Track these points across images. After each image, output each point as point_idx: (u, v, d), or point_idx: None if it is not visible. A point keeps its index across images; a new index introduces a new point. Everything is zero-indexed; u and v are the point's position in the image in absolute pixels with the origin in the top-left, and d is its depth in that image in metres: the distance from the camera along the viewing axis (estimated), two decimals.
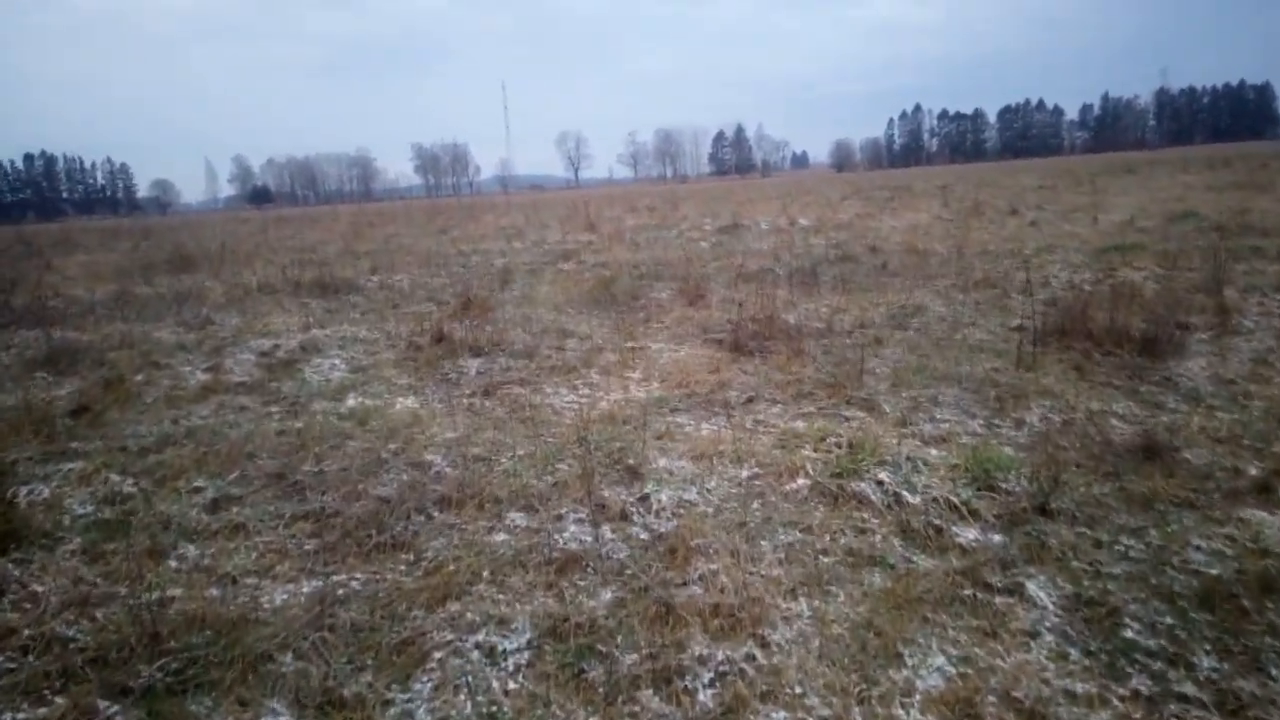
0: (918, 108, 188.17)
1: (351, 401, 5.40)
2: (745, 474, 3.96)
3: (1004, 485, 3.72)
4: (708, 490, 3.77)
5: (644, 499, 3.66)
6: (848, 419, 4.77)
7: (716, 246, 12.90)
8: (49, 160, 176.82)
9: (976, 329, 6.96)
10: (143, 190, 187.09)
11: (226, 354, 6.46)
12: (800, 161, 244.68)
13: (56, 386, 5.69)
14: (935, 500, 3.55)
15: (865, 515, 3.52)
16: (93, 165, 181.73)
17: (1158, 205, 15.24)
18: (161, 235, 23.90)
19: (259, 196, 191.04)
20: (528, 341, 6.68)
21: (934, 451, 4.17)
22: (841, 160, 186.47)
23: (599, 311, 8.07)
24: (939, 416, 4.77)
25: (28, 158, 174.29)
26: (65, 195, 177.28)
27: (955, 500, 3.54)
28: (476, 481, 3.86)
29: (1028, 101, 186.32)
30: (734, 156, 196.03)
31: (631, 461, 4.06)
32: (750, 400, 5.21)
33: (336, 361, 6.28)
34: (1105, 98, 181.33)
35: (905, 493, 3.65)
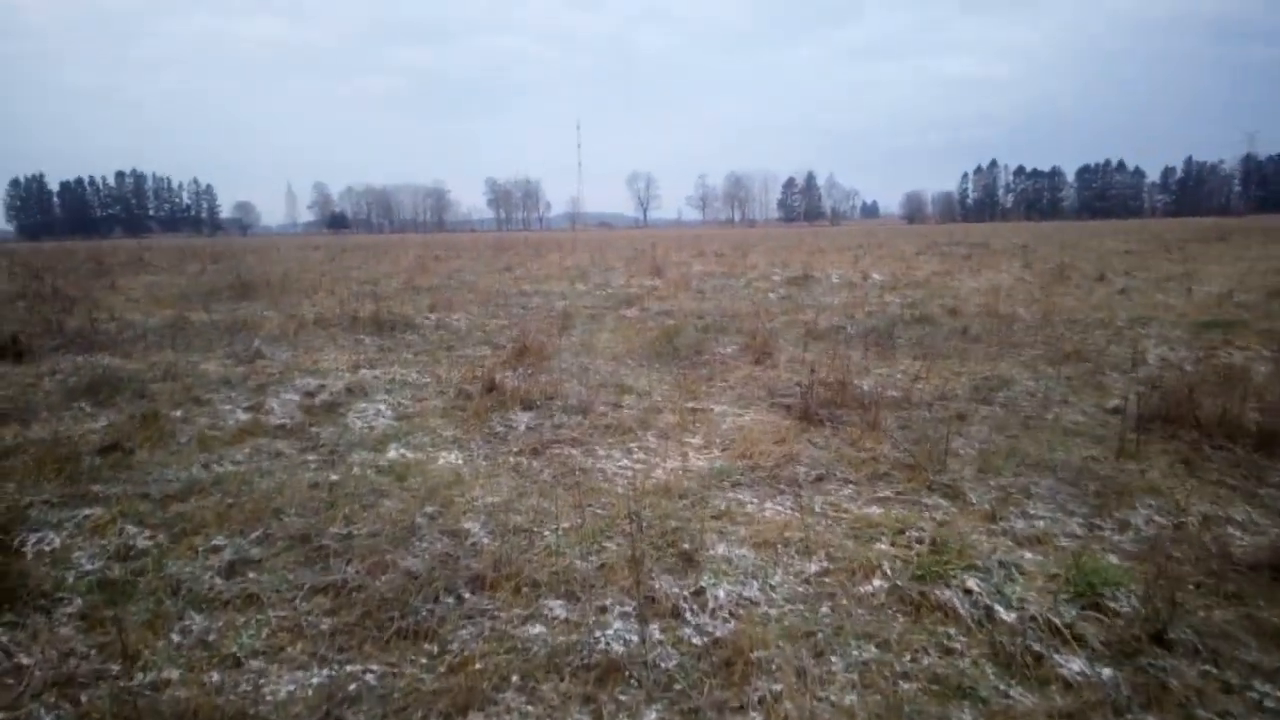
0: (993, 163, 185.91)
1: (392, 453, 5.10)
2: (814, 568, 3.53)
3: (1112, 604, 3.22)
4: (771, 587, 3.34)
5: (699, 593, 3.25)
6: (929, 508, 4.30)
7: (785, 299, 12.48)
8: (139, 178, 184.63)
9: (1069, 408, 6.40)
10: (226, 211, 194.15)
11: (270, 392, 6.24)
12: (870, 211, 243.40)
13: (92, 419, 5.51)
14: (1033, 619, 3.07)
15: (952, 631, 3.06)
16: (180, 185, 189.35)
17: (1256, 277, 14.38)
18: (232, 258, 24.36)
19: (336, 223, 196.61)
20: (583, 395, 6.33)
21: (1029, 555, 3.69)
22: (913, 212, 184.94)
23: (660, 365, 7.71)
24: (1033, 511, 4.27)
25: (119, 175, 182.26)
26: (152, 213, 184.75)
27: (1056, 621, 3.05)
28: (515, 559, 3.49)
29: (1108, 162, 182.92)
30: (803, 203, 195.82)
31: (687, 546, 3.66)
32: (820, 478, 4.77)
33: (382, 407, 6.01)
34: (1189, 161, 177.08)
35: (998, 607, 3.18)
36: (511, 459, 5.07)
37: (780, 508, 4.29)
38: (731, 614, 3.11)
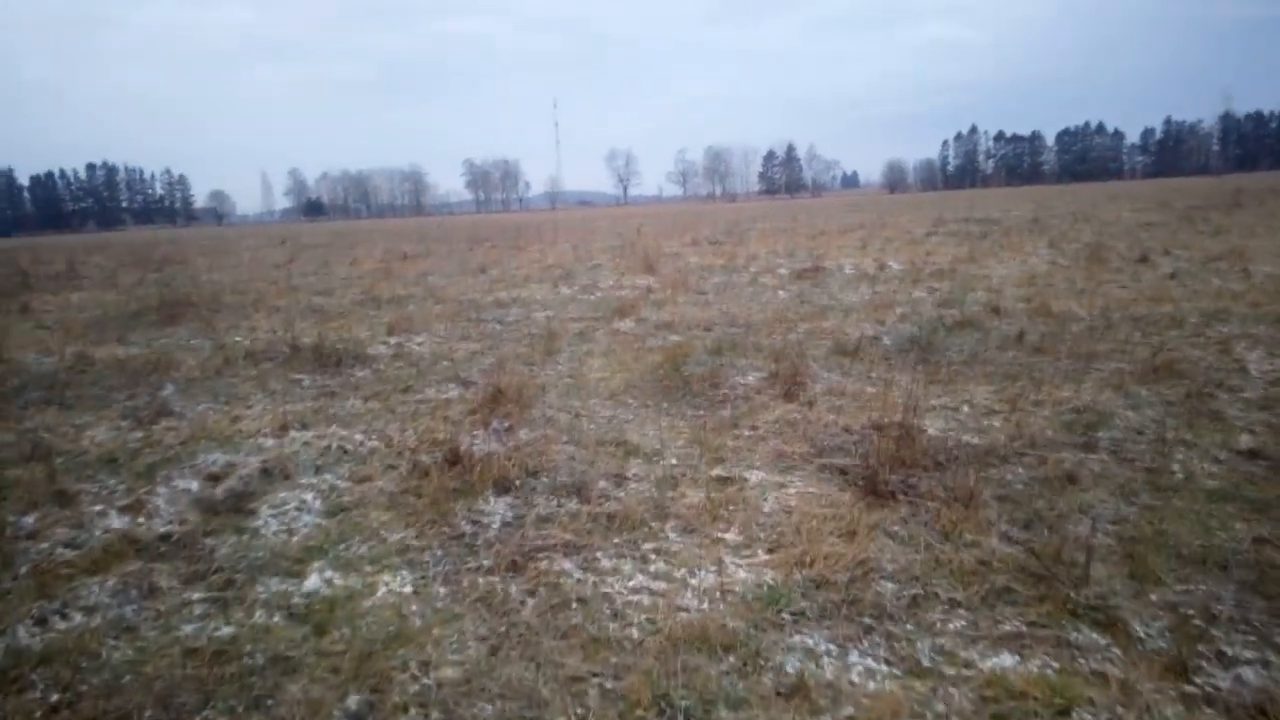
0: (974, 129, 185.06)
1: (314, 580, 3.60)
2: None
3: None
4: None
5: None
6: (1084, 652, 2.89)
7: (798, 298, 10.96)
8: (110, 170, 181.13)
9: (1193, 452, 4.96)
10: (200, 201, 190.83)
11: (162, 478, 4.69)
12: (850, 181, 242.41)
13: None
14: None
15: None
16: (152, 176, 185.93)
17: None
18: (180, 264, 22.50)
19: (312, 210, 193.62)
20: (574, 466, 4.82)
21: None
22: (894, 181, 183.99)
23: (669, 403, 6.21)
24: (1231, 652, 2.86)
25: (90, 167, 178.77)
26: (125, 204, 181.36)
27: None
28: None
29: (1087, 124, 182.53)
30: (784, 176, 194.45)
31: None
32: (915, 602, 3.32)
33: (309, 496, 4.48)
34: (1168, 121, 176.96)
35: None
36: (480, 581, 3.58)
37: (872, 664, 2.86)
38: None
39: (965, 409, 6.05)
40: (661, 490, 4.55)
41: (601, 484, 4.61)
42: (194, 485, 4.62)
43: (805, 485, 4.62)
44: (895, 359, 7.44)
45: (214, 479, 4.72)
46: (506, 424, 5.58)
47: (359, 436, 5.39)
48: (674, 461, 5.01)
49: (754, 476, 4.72)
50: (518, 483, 4.57)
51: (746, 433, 5.53)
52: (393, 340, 8.28)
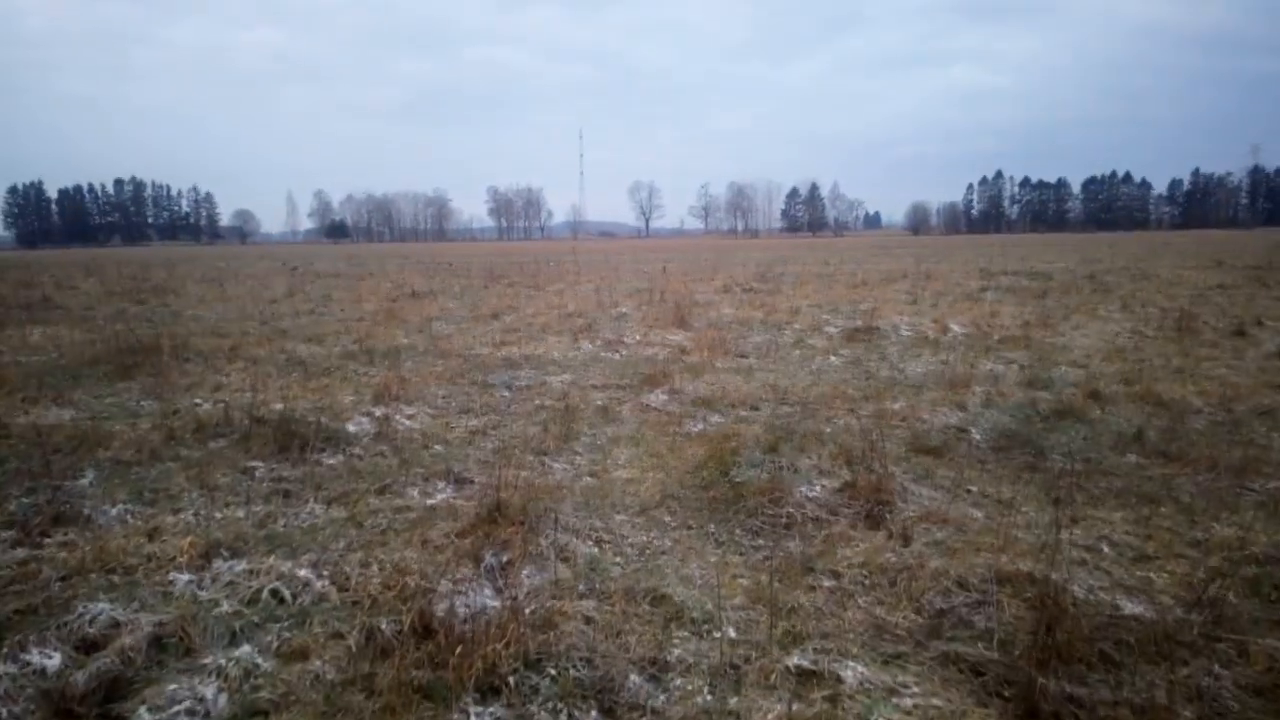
0: (999, 174, 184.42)
1: None
2: None
3: None
4: None
5: None
6: None
7: (853, 366, 9.53)
8: (138, 185, 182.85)
9: None
10: (225, 219, 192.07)
11: (10, 647, 3.31)
12: (873, 222, 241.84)
13: None
14: None
15: None
16: (179, 193, 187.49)
17: None
18: (174, 292, 21.27)
19: (335, 231, 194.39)
20: (594, 642, 3.40)
21: None
22: (918, 223, 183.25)
23: (717, 525, 4.80)
24: None
25: (118, 182, 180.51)
26: (151, 220, 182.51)
27: None
28: None
29: (1114, 173, 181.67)
30: (806, 214, 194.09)
31: None
32: None
33: (210, 691, 3.07)
34: (1196, 173, 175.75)
35: None
36: None
37: None
38: None
39: (1105, 548, 4.61)
40: (719, 694, 3.14)
41: (633, 680, 3.20)
42: (54, 660, 3.23)
43: (926, 692, 3.20)
44: (992, 462, 6.01)
45: (87, 648, 3.33)
46: (505, 557, 4.18)
47: (304, 573, 3.98)
48: (733, 634, 3.59)
49: (850, 673, 3.29)
50: (511, 680, 3.15)
51: (826, 582, 4.11)
52: (378, 412, 6.87)
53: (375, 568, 4.04)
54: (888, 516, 4.89)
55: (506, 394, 7.94)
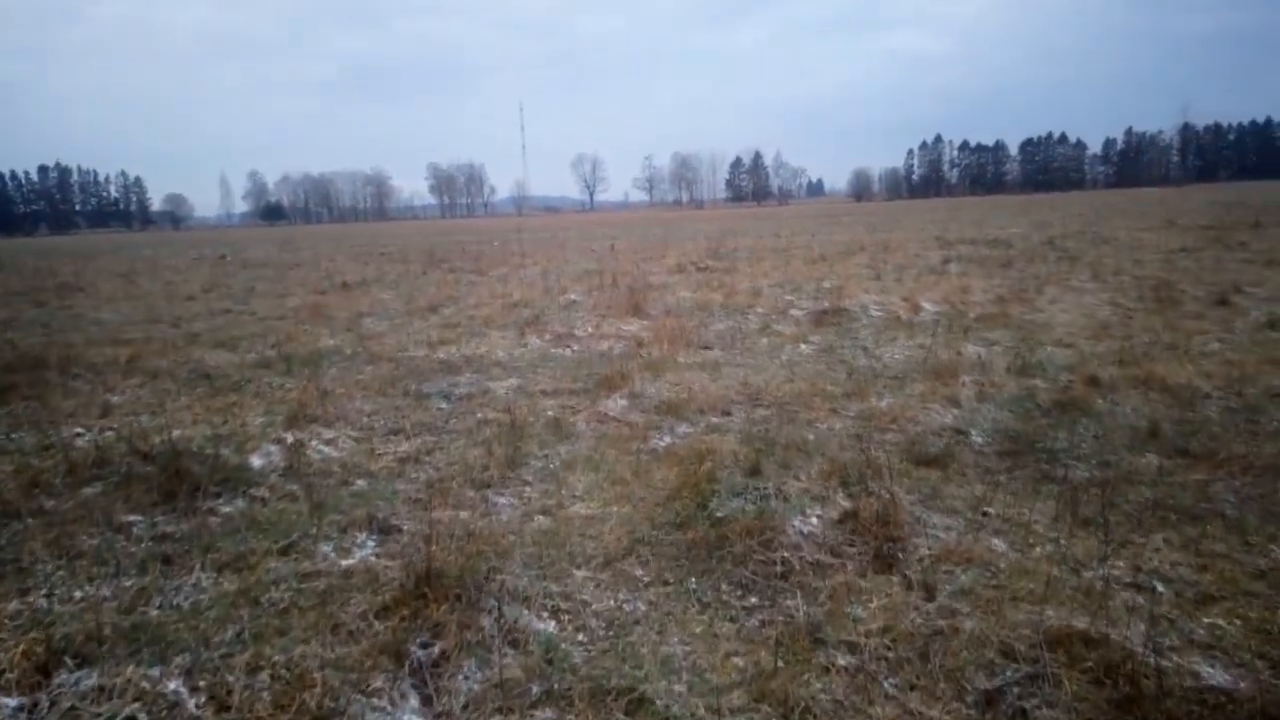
0: (938, 138, 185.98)
1: None
2: None
3: None
4: None
5: None
6: None
7: (827, 354, 8.74)
8: (63, 172, 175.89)
9: None
10: (157, 204, 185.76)
11: None
12: (816, 189, 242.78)
13: None
14: None
15: None
16: (107, 178, 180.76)
17: None
18: (82, 290, 19.70)
19: (271, 213, 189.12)
20: None
21: None
22: (860, 190, 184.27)
23: (699, 579, 3.96)
24: None
25: (42, 169, 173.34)
26: (79, 207, 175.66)
27: None
28: None
29: (1050, 135, 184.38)
30: (751, 183, 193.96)
31: None
32: None
33: None
34: (1129, 132, 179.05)
35: None
36: None
37: None
38: None
39: (1159, 587, 3.88)
40: None
41: None
42: None
43: None
44: (1002, 473, 5.26)
45: None
46: (437, 648, 3.29)
47: (174, 685, 3.05)
48: None
49: None
50: None
51: (841, 659, 3.29)
52: (290, 438, 5.87)
53: (267, 675, 3.12)
54: (901, 557, 4.10)
55: (444, 406, 6.98)
